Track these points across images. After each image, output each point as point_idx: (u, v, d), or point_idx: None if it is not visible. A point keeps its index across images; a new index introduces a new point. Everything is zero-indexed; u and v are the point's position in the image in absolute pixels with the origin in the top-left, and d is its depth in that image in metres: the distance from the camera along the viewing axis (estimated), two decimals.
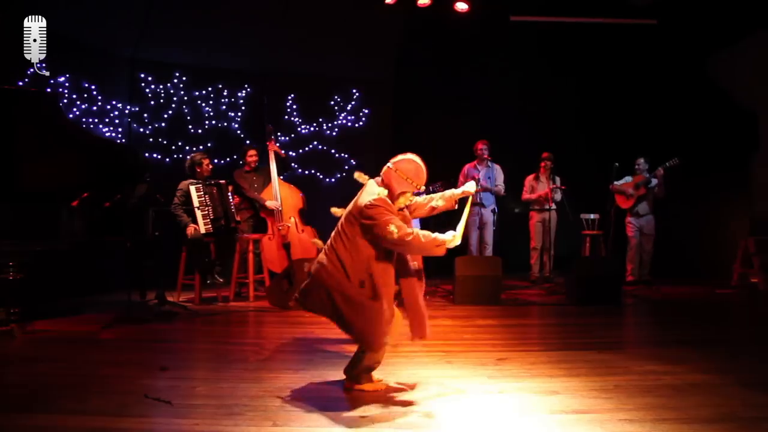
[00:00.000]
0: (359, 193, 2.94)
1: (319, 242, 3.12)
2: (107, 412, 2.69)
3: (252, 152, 6.60)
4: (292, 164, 7.79)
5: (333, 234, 2.93)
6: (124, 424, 2.56)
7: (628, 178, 7.32)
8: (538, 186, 7.40)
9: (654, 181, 7.11)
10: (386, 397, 2.90)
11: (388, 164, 2.91)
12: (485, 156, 7.13)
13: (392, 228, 2.69)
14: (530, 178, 7.52)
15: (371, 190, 2.86)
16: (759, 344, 4.22)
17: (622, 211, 7.36)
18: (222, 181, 6.07)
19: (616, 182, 7.33)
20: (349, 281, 2.78)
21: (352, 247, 2.80)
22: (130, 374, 3.32)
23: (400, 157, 2.94)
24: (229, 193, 6.07)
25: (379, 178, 2.94)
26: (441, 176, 6.96)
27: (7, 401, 2.88)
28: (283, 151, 6.79)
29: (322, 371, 3.35)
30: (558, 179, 7.35)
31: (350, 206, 2.92)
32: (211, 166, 6.10)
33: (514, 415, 2.66)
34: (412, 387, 3.06)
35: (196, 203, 5.81)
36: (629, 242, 7.30)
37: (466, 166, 7.29)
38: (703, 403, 2.78)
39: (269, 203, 6.28)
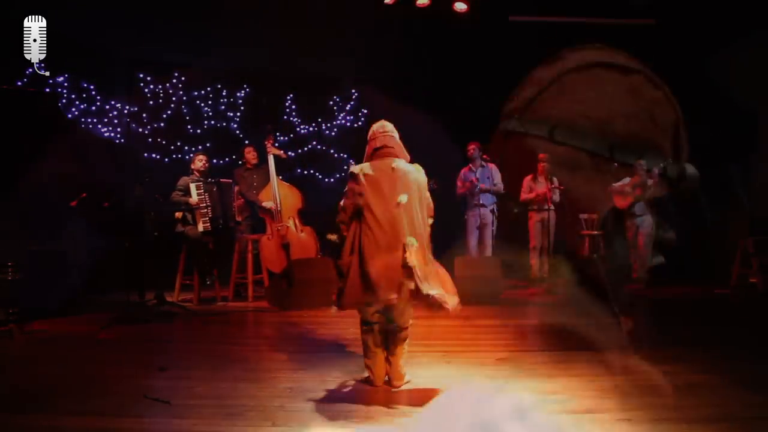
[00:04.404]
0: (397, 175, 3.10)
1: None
2: (106, 412, 2.69)
3: (250, 149, 6.60)
4: (292, 164, 7.78)
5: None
6: (123, 424, 2.56)
7: (626, 180, 7.35)
8: (537, 186, 7.40)
9: (650, 182, 7.13)
10: (385, 397, 2.90)
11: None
12: (478, 156, 7.10)
13: None
14: (528, 178, 7.51)
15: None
16: (758, 344, 4.22)
17: (622, 212, 7.38)
18: (224, 180, 6.06)
19: (614, 184, 7.36)
20: None
21: None
22: (129, 374, 3.32)
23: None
24: (233, 193, 6.05)
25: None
26: (440, 176, 6.96)
27: (6, 401, 2.88)
28: (282, 152, 6.74)
29: (321, 371, 3.35)
30: (556, 180, 7.35)
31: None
32: (204, 164, 6.06)
33: (513, 415, 2.65)
34: (411, 387, 3.06)
35: (195, 200, 5.81)
36: (629, 243, 7.33)
37: (463, 171, 7.24)
38: (702, 403, 2.78)
39: (266, 204, 6.26)
